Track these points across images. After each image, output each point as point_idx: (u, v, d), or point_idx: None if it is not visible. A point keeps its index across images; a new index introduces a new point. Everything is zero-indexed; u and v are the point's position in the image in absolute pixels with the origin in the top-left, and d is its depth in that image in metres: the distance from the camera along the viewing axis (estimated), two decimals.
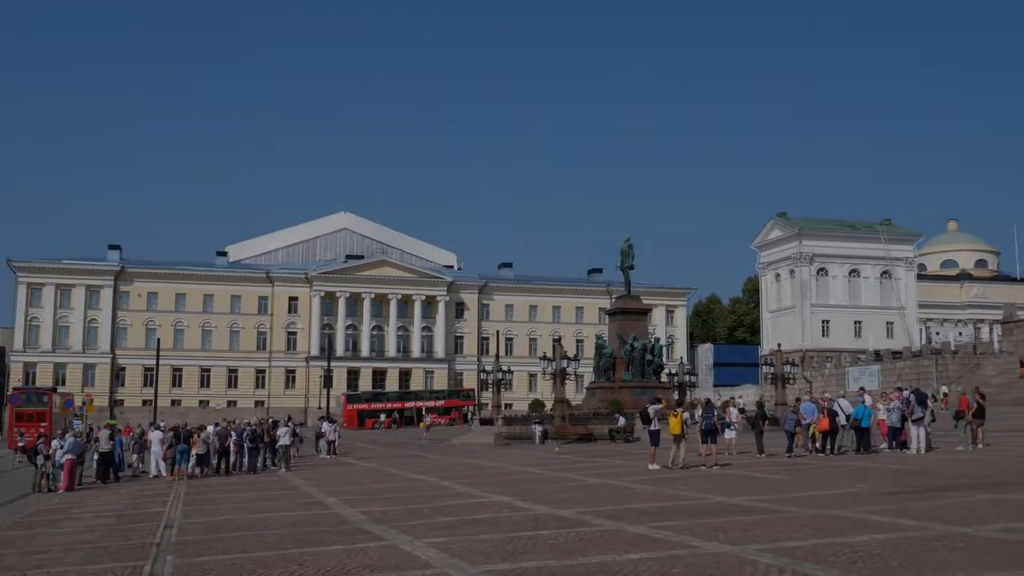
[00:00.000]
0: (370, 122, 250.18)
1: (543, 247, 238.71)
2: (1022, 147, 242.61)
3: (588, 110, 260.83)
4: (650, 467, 26.27)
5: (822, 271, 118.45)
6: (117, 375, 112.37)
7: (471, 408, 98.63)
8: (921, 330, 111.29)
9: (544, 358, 54.63)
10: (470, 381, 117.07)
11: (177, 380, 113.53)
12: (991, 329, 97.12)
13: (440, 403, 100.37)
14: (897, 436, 29.24)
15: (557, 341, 64.19)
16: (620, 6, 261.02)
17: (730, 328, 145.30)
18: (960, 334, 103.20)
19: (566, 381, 50.61)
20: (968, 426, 28.83)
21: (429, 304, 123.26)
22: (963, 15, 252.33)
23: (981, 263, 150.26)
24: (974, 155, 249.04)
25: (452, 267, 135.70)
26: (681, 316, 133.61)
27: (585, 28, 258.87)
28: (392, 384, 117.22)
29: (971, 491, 17.24)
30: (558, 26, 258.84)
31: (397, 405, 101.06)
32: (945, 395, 63.71)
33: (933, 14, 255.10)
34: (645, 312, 63.60)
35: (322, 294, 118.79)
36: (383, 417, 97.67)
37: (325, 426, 46.25)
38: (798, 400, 35.52)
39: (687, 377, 66.79)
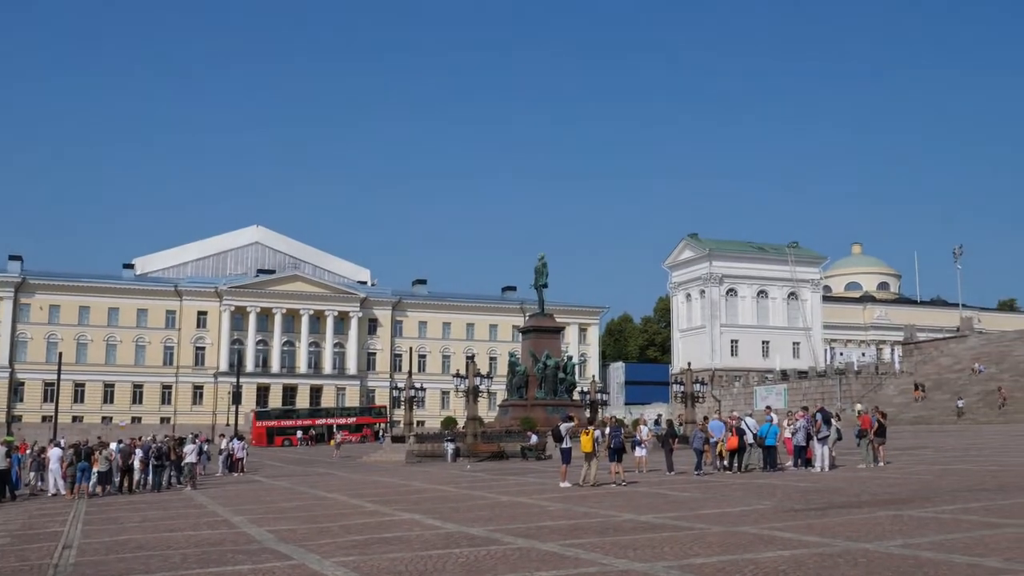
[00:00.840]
0: (284, 135, 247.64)
1: (458, 264, 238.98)
2: (924, 174, 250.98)
3: (502, 127, 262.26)
4: (561, 485, 26.33)
5: (731, 292, 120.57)
6: (15, 390, 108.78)
7: (383, 425, 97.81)
8: (826, 350, 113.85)
9: (457, 375, 54.50)
10: (382, 398, 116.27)
11: (79, 396, 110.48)
12: (892, 350, 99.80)
13: (351, 420, 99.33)
14: (802, 454, 29.81)
15: (471, 358, 64.06)
16: (532, 18, 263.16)
17: (642, 347, 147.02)
18: (863, 355, 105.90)
19: (479, 399, 50.55)
20: (870, 445, 29.56)
21: (342, 320, 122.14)
22: (865, 43, 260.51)
23: (884, 286, 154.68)
24: (878, 180, 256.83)
25: (366, 283, 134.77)
26: (594, 334, 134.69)
27: (496, 42, 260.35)
28: (303, 401, 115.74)
29: (872, 508, 17.65)
30: (468, 39, 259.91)
31: (307, 422, 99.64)
32: (860, 413, 65.20)
33: (834, 40, 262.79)
34: (558, 330, 63.89)
35: (232, 309, 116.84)
36: (293, 434, 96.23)
37: (233, 443, 45.40)
38: (707, 418, 35.99)
39: (599, 395, 67.19)
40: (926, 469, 27.25)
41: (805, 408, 33.61)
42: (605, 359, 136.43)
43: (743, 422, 31.07)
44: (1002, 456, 30.85)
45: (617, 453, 27.18)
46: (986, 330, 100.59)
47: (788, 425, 31.61)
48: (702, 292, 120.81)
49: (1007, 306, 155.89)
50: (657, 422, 54.70)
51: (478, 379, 50.04)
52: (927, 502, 18.13)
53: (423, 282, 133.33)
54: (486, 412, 78.33)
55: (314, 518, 20.88)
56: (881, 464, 29.03)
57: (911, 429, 58.13)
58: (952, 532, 14.03)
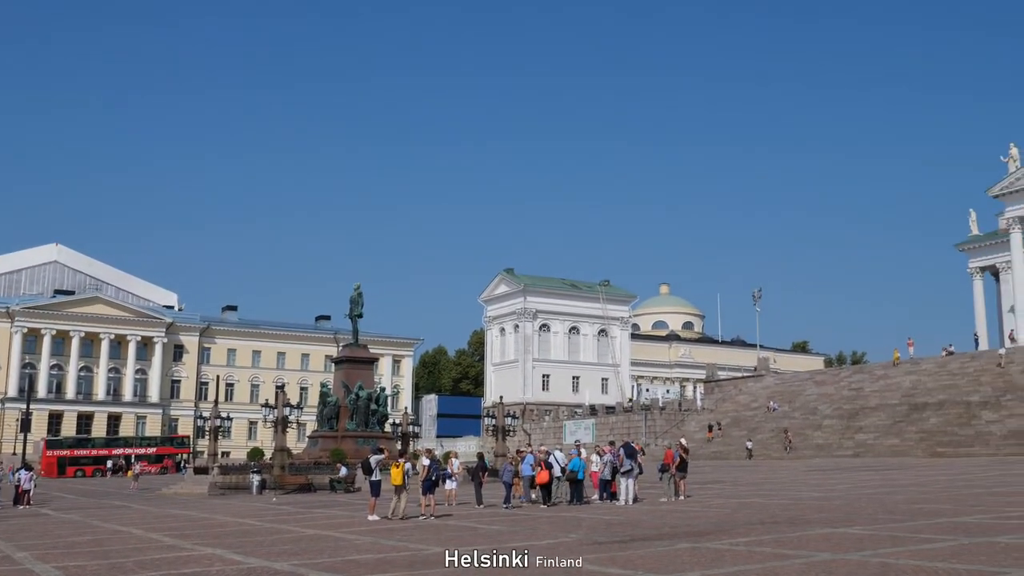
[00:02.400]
0: (87, 152, 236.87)
1: (271, 291, 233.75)
2: (727, 220, 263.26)
3: (316, 156, 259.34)
4: (370, 518, 25.97)
5: (544, 327, 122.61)
6: None
7: (185, 456, 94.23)
8: (634, 386, 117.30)
9: (266, 405, 53.15)
10: (186, 428, 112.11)
11: None
12: (695, 387, 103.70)
13: (152, 451, 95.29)
14: (608, 488, 30.48)
15: (280, 388, 62.65)
16: (334, 48, 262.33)
17: (455, 380, 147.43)
18: (668, 391, 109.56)
19: (288, 429, 49.44)
20: (672, 479, 30.53)
21: (145, 345, 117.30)
22: (683, 99, 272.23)
23: (688, 325, 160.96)
24: (685, 224, 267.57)
25: (172, 307, 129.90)
26: (408, 366, 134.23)
27: (312, 69, 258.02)
28: (100, 430, 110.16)
29: (672, 540, 18.17)
30: (285, 64, 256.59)
31: (104, 452, 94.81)
32: (682, 446, 67.37)
33: (645, 89, 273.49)
34: (372, 361, 63.34)
35: (25, 330, 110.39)
36: (88, 465, 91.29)
37: (20, 474, 42.65)
38: (519, 452, 36.32)
39: (411, 427, 66.92)
40: (723, 503, 28.30)
41: (612, 443, 34.42)
42: (418, 391, 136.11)
43: (552, 456, 31.51)
44: (792, 491, 32.43)
45: (429, 486, 27.06)
46: (781, 370, 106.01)
47: (596, 459, 32.26)
48: (516, 327, 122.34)
49: (800, 348, 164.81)
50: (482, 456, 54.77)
51: (287, 409, 48.97)
52: (724, 534, 18.80)
53: (233, 308, 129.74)
54: (295, 443, 76.71)
55: (106, 553, 19.79)
56: (682, 498, 29.98)
57: (710, 464, 60.43)
58: (746, 563, 14.59)
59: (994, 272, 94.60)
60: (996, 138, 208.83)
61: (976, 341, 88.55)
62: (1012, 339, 78.77)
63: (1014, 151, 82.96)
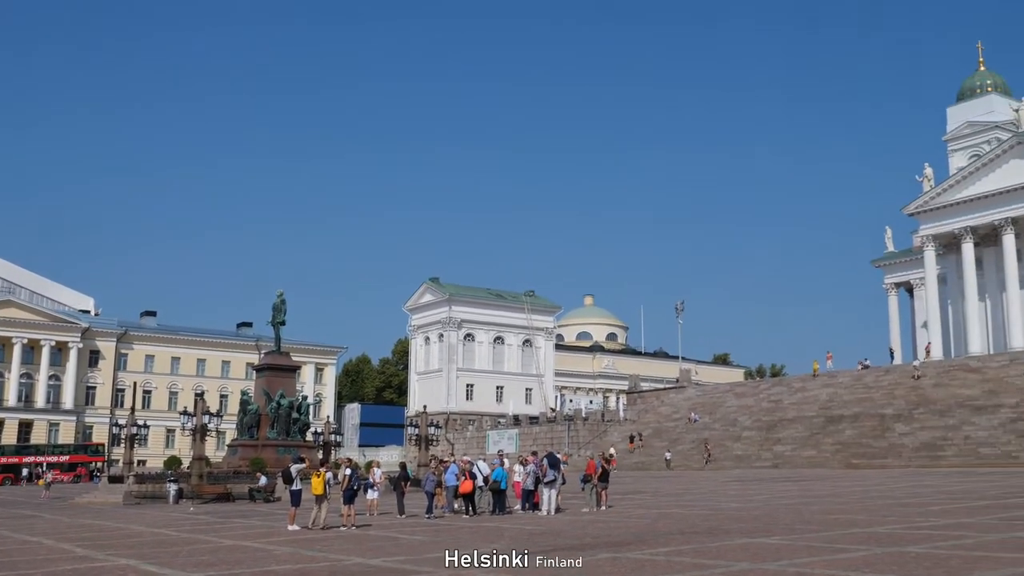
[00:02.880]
0: (3, 150, 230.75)
1: (192, 297, 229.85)
2: (652, 232, 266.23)
3: (239, 161, 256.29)
4: (290, 528, 25.64)
5: (469, 336, 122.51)
6: None
7: (99, 465, 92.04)
8: (557, 397, 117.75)
9: (185, 413, 52.15)
10: (101, 435, 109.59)
11: None
12: (618, 398, 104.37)
13: (64, 458, 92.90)
14: (530, 498, 30.52)
15: (200, 395, 61.58)
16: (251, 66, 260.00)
17: (379, 388, 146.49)
18: (591, 402, 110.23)
19: (207, 437, 48.59)
20: (594, 489, 30.69)
21: (60, 350, 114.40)
22: (598, 100, 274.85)
23: (612, 337, 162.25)
24: (611, 236, 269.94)
25: (89, 312, 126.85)
26: (331, 374, 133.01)
27: (227, 75, 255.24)
28: (10, 437, 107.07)
29: (594, 550, 18.26)
30: (216, 73, 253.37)
31: (13, 460, 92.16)
32: (612, 456, 67.97)
33: (571, 98, 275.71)
34: (294, 369, 62.58)
35: None
36: None
37: None
38: (442, 462, 36.20)
39: (333, 436, 66.27)
40: (644, 513, 28.53)
41: (534, 453, 34.50)
42: (341, 400, 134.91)
43: (475, 466, 31.46)
44: (712, 501, 32.83)
45: (350, 496, 26.82)
46: (702, 382, 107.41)
47: (519, 469, 32.29)
48: (441, 336, 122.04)
49: (722, 360, 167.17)
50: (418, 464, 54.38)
51: (207, 417, 48.14)
52: (644, 544, 18.96)
53: (152, 314, 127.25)
54: (214, 452, 75.42)
55: (14, 565, 19.21)
56: (603, 508, 30.15)
57: (632, 475, 60.94)
58: (665, 573, 14.72)
59: (908, 288, 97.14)
60: (913, 157, 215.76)
61: (891, 355, 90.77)
62: (928, 352, 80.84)
63: (929, 171, 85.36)
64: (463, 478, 30.18)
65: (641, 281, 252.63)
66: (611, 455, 68.64)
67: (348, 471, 27.97)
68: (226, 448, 66.77)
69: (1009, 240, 78.61)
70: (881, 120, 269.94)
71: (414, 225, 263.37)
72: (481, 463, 32.49)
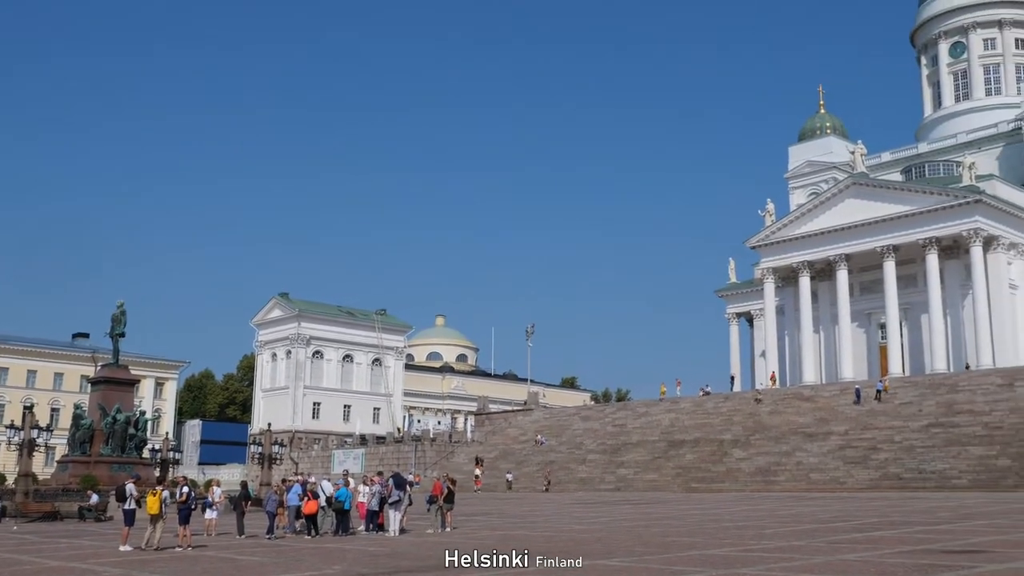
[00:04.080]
0: None
1: (23, 305, 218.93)
2: (504, 254, 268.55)
3: (90, 166, 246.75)
4: (122, 548, 24.65)
5: (318, 354, 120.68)
6: None
7: None
8: (405, 417, 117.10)
9: (11, 426, 49.61)
10: None
11: None
12: (466, 419, 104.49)
13: None
14: (374, 519, 30.19)
15: (29, 408, 58.67)
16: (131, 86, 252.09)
17: (222, 405, 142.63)
18: (439, 423, 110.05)
19: (35, 453, 46.33)
20: (439, 510, 30.59)
21: None
22: (452, 120, 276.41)
23: (463, 358, 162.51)
24: (463, 257, 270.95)
25: None
26: (171, 389, 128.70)
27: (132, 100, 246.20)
28: None
29: (436, 572, 18.16)
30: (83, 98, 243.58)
31: None
32: (479, 477, 68.52)
33: (424, 117, 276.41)
34: (132, 383, 60.39)
35: None
36: None
37: None
38: (284, 481, 35.45)
39: (171, 454, 64.23)
40: (489, 534, 28.58)
41: (380, 473, 34.18)
42: (182, 416, 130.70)
43: (319, 486, 30.95)
44: (555, 523, 33.16)
45: (186, 515, 25.96)
46: (550, 405, 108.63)
47: (364, 489, 31.92)
48: (288, 352, 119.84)
49: (569, 383, 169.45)
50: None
51: (35, 431, 45.93)
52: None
53: None
54: (43, 468, 71.93)
55: None
56: (448, 529, 30.06)
57: (478, 496, 61.02)
58: None
59: (749, 318, 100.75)
60: (759, 192, 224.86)
61: (731, 383, 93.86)
62: (773, 381, 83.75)
63: (771, 206, 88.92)
64: (307, 498, 29.63)
65: (492, 303, 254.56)
66: (477, 475, 69.01)
67: (185, 489, 27.13)
68: (56, 464, 63.83)
69: (843, 275, 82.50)
70: (730, 154, 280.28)
71: (264, 239, 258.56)
72: (326, 483, 31.99)
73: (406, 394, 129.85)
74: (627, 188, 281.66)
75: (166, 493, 26.49)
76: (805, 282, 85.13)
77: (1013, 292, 78.01)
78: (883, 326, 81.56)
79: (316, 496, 29.80)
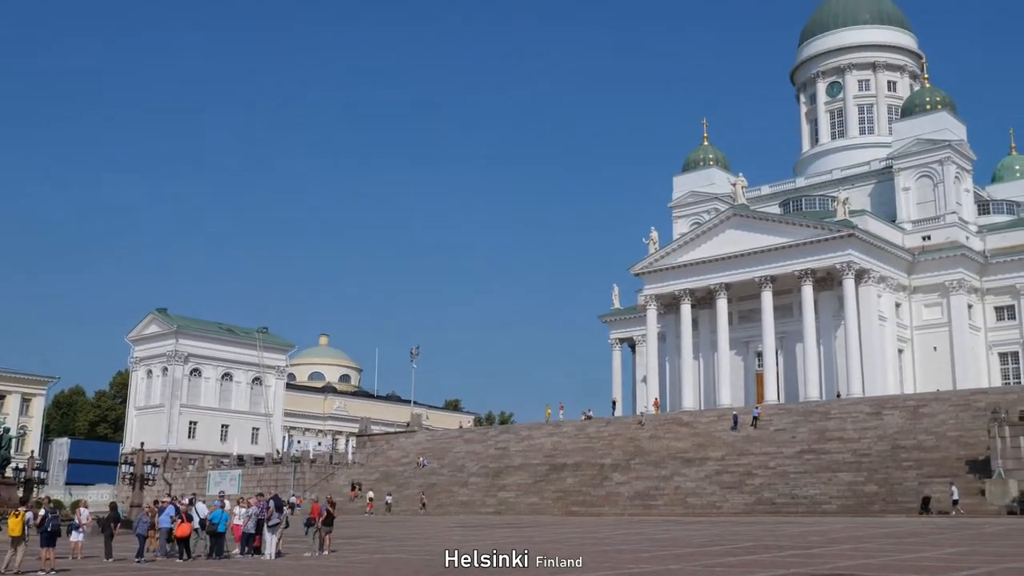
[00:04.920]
0: None
1: None
2: (389, 275, 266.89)
3: None
4: None
5: (196, 372, 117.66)
6: None
7: None
8: (285, 438, 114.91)
9: None
10: None
11: None
12: (347, 441, 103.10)
13: None
14: (250, 542, 29.49)
15: None
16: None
17: (92, 423, 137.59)
18: (319, 444, 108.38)
19: None
20: (317, 533, 30.07)
21: None
22: (337, 143, 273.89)
23: (345, 378, 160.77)
24: (348, 276, 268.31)
25: None
26: (38, 406, 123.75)
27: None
28: None
29: None
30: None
31: None
32: (370, 499, 67.37)
33: (305, 135, 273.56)
34: None
35: None
36: None
37: None
38: (156, 502, 34.39)
39: (36, 473, 61.64)
40: (367, 558, 28.23)
41: (260, 494, 33.43)
42: (49, 434, 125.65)
43: (194, 508, 30.12)
44: (434, 546, 32.92)
45: (50, 538, 24.90)
46: (433, 427, 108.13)
47: (240, 511, 31.19)
48: (165, 370, 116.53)
49: (453, 406, 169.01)
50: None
51: None
52: None
53: None
54: None
55: None
56: (326, 552, 29.57)
57: (358, 519, 60.25)
58: None
59: (632, 344, 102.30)
60: (645, 220, 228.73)
61: (613, 407, 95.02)
62: (656, 407, 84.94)
63: (655, 235, 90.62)
64: (179, 520, 28.80)
65: (377, 324, 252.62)
66: (371, 497, 67.98)
67: (42, 511, 26.06)
68: None
69: (722, 304, 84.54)
70: (618, 182, 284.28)
71: (140, 252, 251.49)
72: (200, 505, 31.18)
73: (287, 414, 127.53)
74: (516, 213, 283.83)
75: (29, 515, 25.42)
76: (686, 310, 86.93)
77: (882, 324, 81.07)
78: (760, 354, 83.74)
79: (190, 518, 29.00)
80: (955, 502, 48.15)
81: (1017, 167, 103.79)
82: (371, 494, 69.22)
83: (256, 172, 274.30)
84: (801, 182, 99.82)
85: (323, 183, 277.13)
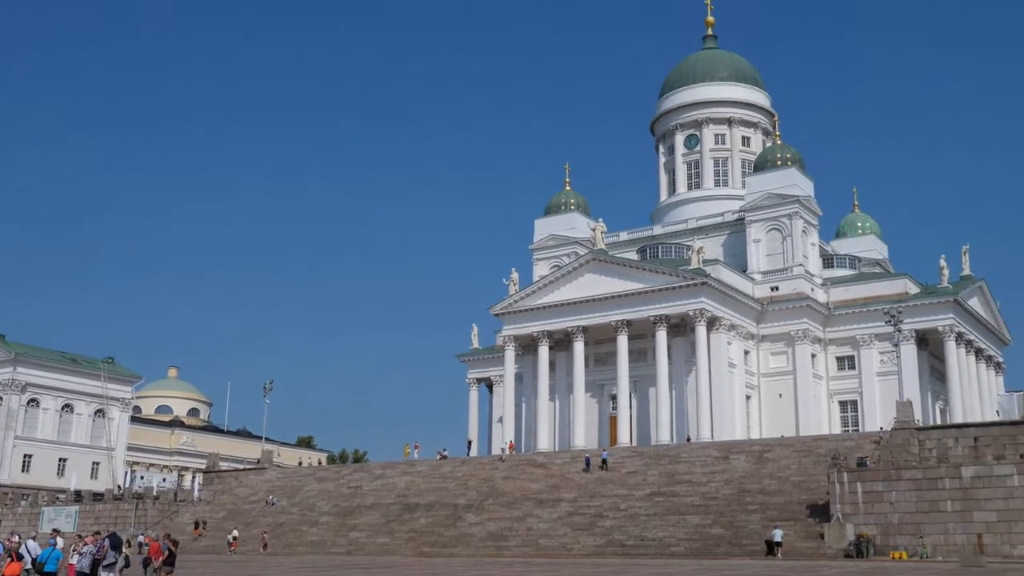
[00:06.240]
0: None
1: None
2: (242, 309, 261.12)
3: None
4: None
5: (33, 402, 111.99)
6: None
7: None
8: (127, 473, 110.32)
9: None
10: None
11: None
12: (194, 477, 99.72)
13: None
14: None
15: None
16: None
17: None
18: (164, 480, 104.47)
19: None
20: (156, 573, 28.87)
21: None
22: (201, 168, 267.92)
23: (195, 412, 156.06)
24: (200, 308, 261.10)
25: None
26: None
27: None
28: None
29: None
30: None
31: None
32: (234, 539, 64.69)
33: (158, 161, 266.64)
34: None
35: None
36: None
37: None
38: None
39: None
40: None
41: (97, 532, 31.91)
42: None
43: (24, 545, 28.52)
44: None
45: None
46: (284, 464, 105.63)
47: (75, 550, 29.70)
48: (0, 399, 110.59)
49: (306, 443, 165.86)
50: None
51: None
52: None
53: None
54: None
55: None
56: None
57: (200, 558, 58.15)
58: None
59: (489, 384, 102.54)
60: (508, 261, 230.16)
61: (468, 447, 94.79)
62: (511, 449, 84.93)
63: (515, 276, 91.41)
64: (8, 559, 27.22)
65: (230, 357, 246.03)
66: (234, 537, 65.33)
67: None
68: None
69: (579, 346, 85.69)
70: (482, 223, 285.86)
71: None
72: (31, 542, 29.57)
73: (131, 448, 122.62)
74: (376, 250, 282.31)
75: None
76: (544, 351, 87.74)
77: (732, 370, 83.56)
78: (615, 397, 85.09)
79: (20, 557, 27.44)
80: (778, 544, 49.75)
81: (860, 224, 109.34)
82: (235, 533, 66.82)
83: (108, 197, 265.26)
84: (658, 230, 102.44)
85: (177, 213, 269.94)
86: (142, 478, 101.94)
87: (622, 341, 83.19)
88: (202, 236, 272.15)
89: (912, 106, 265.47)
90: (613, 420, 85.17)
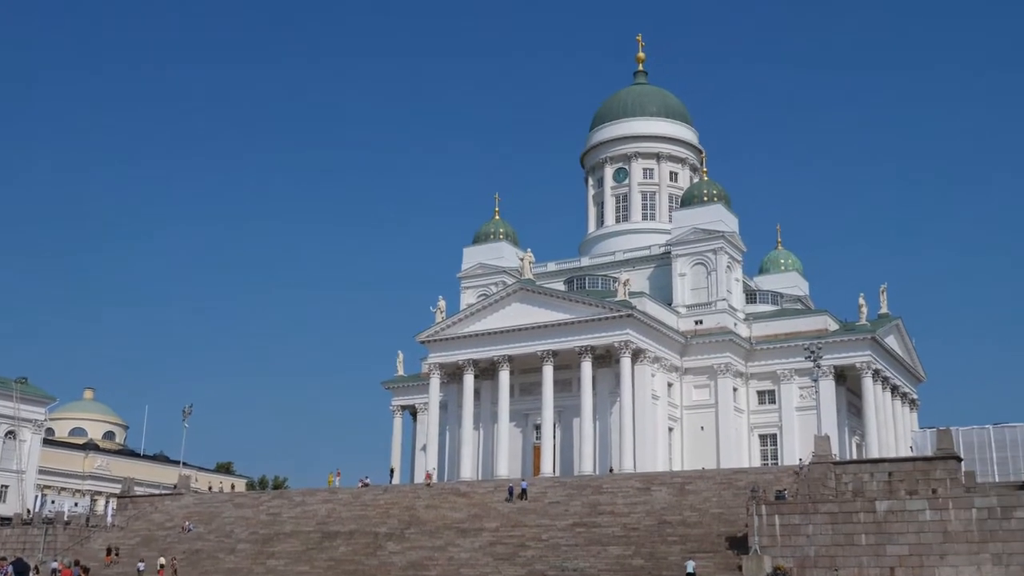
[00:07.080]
0: None
1: None
2: (160, 330, 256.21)
3: None
4: None
5: None
6: None
7: None
8: (37, 497, 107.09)
9: None
10: None
11: None
12: (107, 503, 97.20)
13: None
14: None
15: None
16: None
17: None
18: (76, 504, 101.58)
19: None
20: None
21: None
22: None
23: (110, 435, 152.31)
24: (117, 329, 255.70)
25: None
26: None
27: None
28: None
29: None
30: None
31: None
32: (161, 567, 62.67)
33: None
34: None
35: None
36: None
37: None
38: None
39: None
40: None
41: (3, 558, 31.00)
42: None
43: None
44: None
45: None
46: (202, 490, 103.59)
47: None
48: None
49: (225, 468, 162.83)
50: None
51: None
52: None
53: None
54: None
55: None
56: None
57: None
58: None
59: (413, 412, 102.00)
60: (436, 288, 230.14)
61: (391, 475, 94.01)
62: (430, 480, 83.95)
63: (442, 303, 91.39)
64: None
65: (149, 380, 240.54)
66: (162, 563, 63.46)
67: None
68: None
69: (504, 376, 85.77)
70: (410, 249, 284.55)
71: None
72: None
73: (42, 472, 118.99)
74: (301, 274, 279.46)
75: None
76: (469, 380, 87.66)
77: (655, 402, 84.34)
78: (539, 427, 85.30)
79: None
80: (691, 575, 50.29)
81: (782, 260, 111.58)
82: (162, 560, 64.90)
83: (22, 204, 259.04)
84: (586, 261, 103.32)
85: (98, 231, 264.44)
86: (53, 502, 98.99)
87: (547, 371, 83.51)
88: (123, 259, 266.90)
89: (836, 141, 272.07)
90: (537, 450, 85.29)
